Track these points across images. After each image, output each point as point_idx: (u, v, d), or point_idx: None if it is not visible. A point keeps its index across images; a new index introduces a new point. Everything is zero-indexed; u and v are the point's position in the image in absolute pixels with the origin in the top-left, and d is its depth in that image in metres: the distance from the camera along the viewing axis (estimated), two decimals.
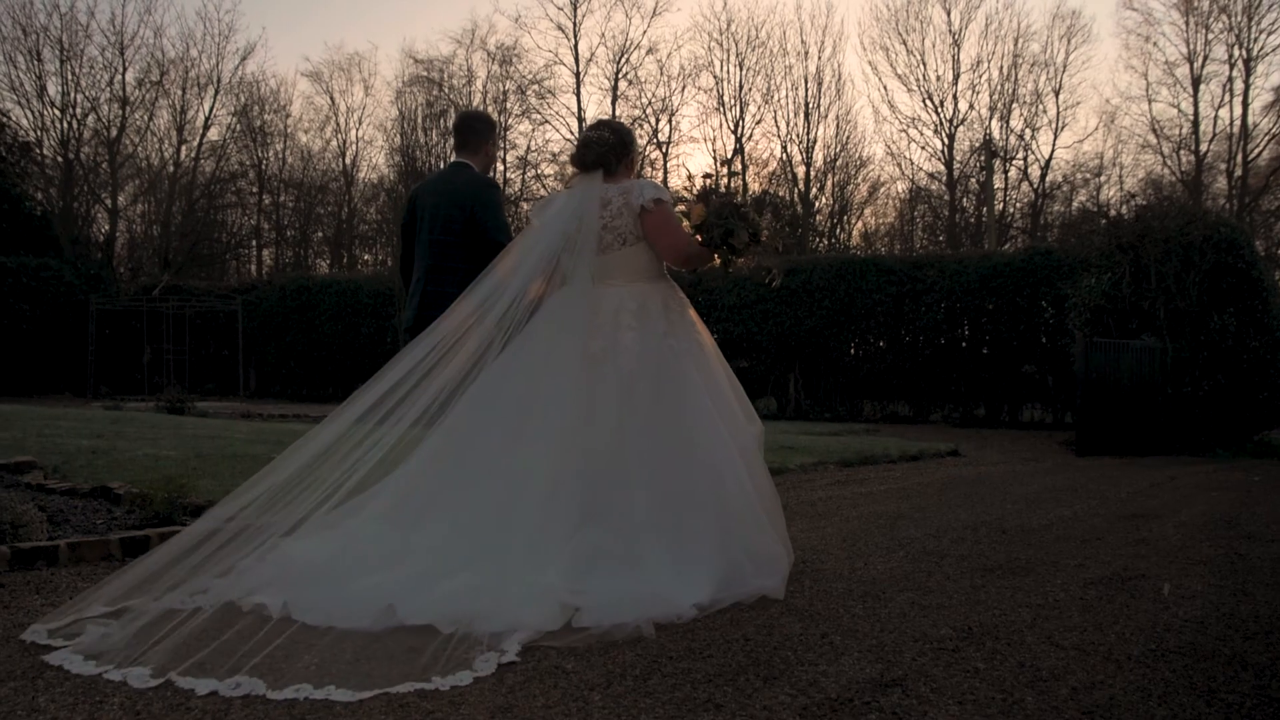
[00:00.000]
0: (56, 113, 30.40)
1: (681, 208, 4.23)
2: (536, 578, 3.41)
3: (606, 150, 4.21)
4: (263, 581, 3.38)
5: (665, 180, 33.47)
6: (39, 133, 30.47)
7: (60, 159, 30.29)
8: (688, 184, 4.37)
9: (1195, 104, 31.89)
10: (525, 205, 35.55)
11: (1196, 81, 31.74)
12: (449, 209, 5.08)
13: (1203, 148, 31.95)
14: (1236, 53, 31.05)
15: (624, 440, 3.81)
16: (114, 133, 31.38)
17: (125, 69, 31.69)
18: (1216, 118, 31.81)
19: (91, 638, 2.93)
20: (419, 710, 2.51)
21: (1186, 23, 31.89)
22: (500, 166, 35.00)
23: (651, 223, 4.08)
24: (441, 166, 18.15)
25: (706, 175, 4.29)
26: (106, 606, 3.18)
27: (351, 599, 3.27)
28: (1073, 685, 2.79)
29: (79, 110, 30.80)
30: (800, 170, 33.30)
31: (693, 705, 2.59)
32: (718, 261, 4.26)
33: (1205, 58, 31.59)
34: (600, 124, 4.42)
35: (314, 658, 2.89)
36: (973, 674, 2.88)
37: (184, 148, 33.44)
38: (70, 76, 30.62)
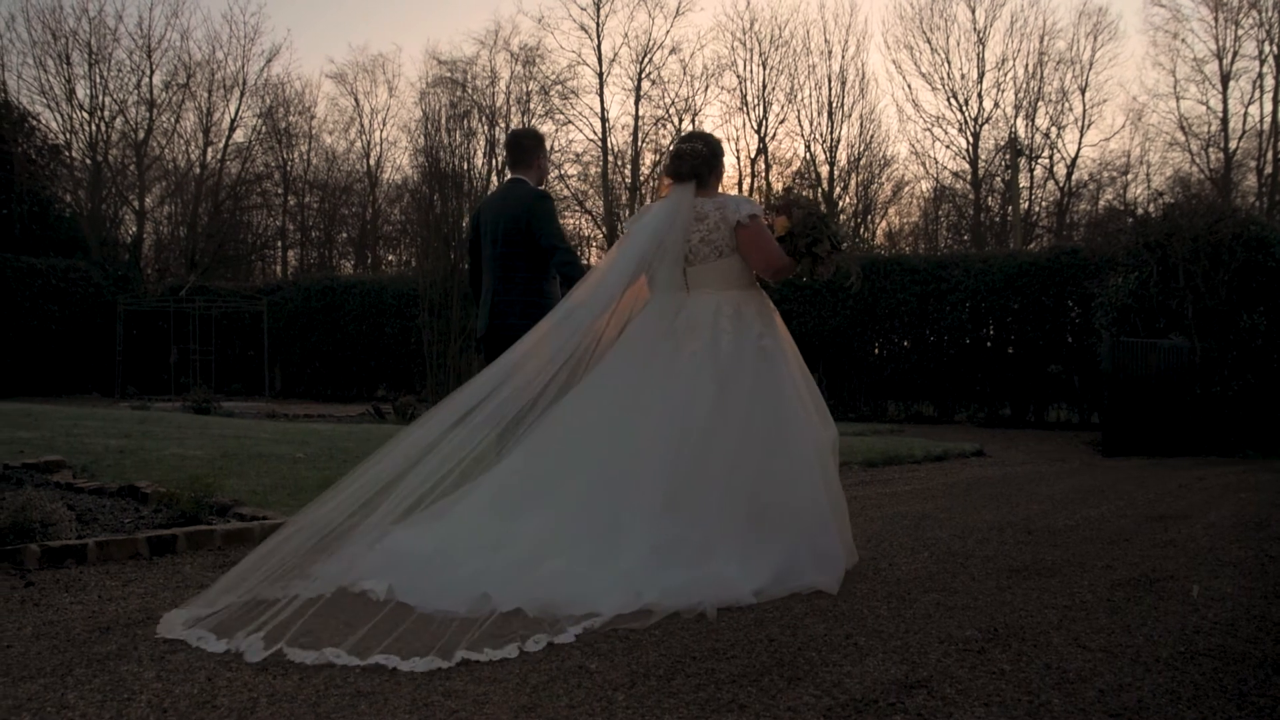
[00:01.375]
0: (85, 115, 30.62)
1: (765, 220, 4.41)
2: (617, 565, 3.64)
3: (700, 162, 4.40)
4: (372, 569, 3.62)
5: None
6: (68, 135, 30.71)
7: (89, 161, 30.50)
8: (771, 197, 4.50)
9: (1224, 101, 31.58)
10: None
11: (1226, 78, 31.41)
12: (508, 223, 5.40)
13: (1232, 145, 31.62)
14: (1267, 48, 30.70)
15: (711, 438, 4.00)
16: (141, 135, 31.58)
17: (152, 72, 31.90)
18: (1246, 114, 31.49)
19: (220, 618, 3.17)
20: (443, 709, 2.52)
21: (1216, 18, 31.56)
22: None
23: (746, 237, 4.29)
24: (464, 167, 18.50)
25: (787, 189, 4.45)
26: (238, 596, 3.36)
27: (450, 584, 3.49)
28: (1100, 687, 2.77)
29: (107, 113, 31.02)
30: (824, 170, 33.15)
31: (716, 705, 2.58)
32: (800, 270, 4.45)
33: (1235, 54, 31.26)
34: (692, 136, 4.59)
35: (396, 635, 3.10)
36: (998, 675, 2.87)
37: (210, 149, 33.62)
38: (98, 79, 30.83)
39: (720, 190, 4.55)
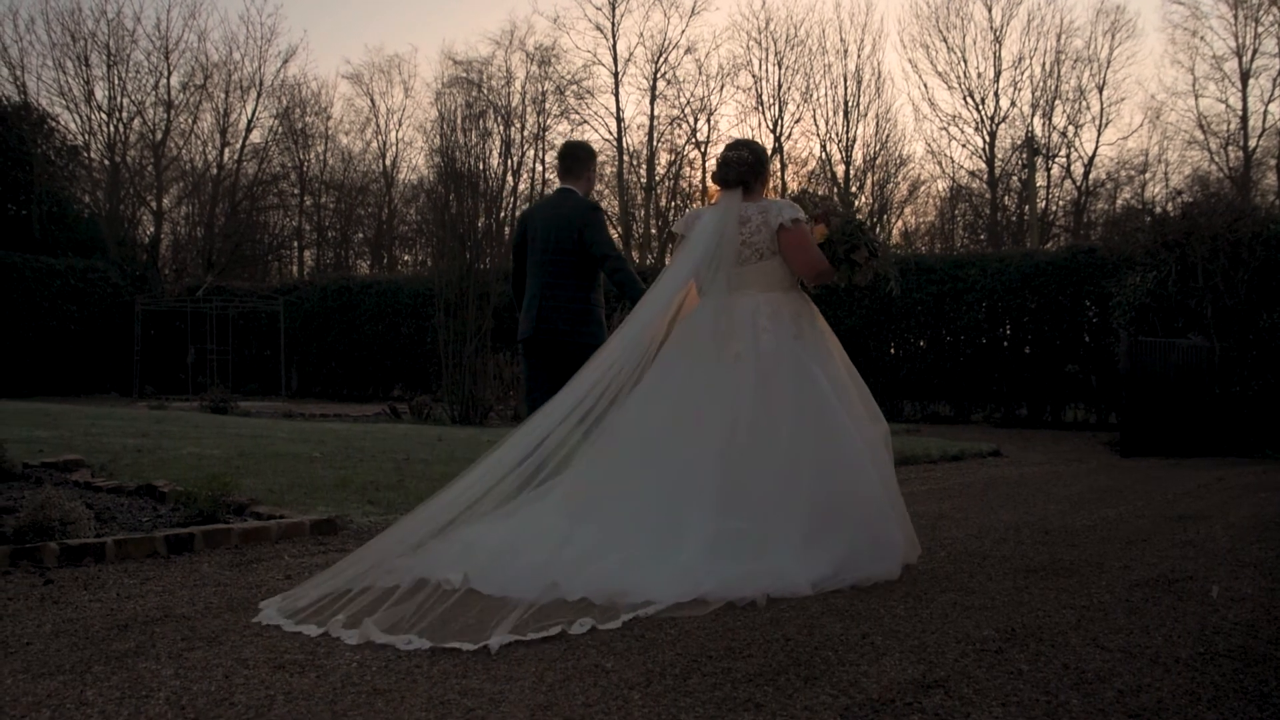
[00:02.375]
0: (103, 117, 30.79)
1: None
2: (677, 558, 3.81)
3: (746, 169, 4.54)
4: (447, 561, 3.80)
5: (704, 180, 33.45)
6: (86, 136, 30.89)
7: (107, 162, 30.67)
8: (809, 206, 4.60)
9: (1244, 99, 31.37)
10: None
11: (1245, 76, 31.19)
12: (559, 230, 5.63)
13: (1251, 143, 31.40)
14: None
15: (760, 434, 4.14)
16: (159, 136, 31.74)
17: (170, 73, 32.05)
18: (1266, 112, 31.24)
19: (315, 607, 3.40)
20: (459, 708, 2.52)
21: (1235, 16, 31.34)
22: (539, 167, 35.15)
23: (788, 240, 4.41)
24: (480, 167, 18.60)
25: (803, 190, 4.56)
26: (340, 584, 3.62)
27: (520, 573, 3.69)
28: (1119, 688, 2.75)
29: (125, 114, 31.18)
30: (839, 169, 33.13)
31: (733, 705, 2.58)
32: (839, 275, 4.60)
33: (1254, 51, 31.03)
34: (739, 144, 4.67)
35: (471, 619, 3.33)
36: (1016, 675, 2.85)
37: (227, 150, 33.77)
38: (117, 81, 30.99)
39: (767, 193, 4.70)
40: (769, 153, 4.78)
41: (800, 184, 32.89)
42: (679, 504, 4.03)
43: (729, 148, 4.69)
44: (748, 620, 3.44)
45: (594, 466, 4.26)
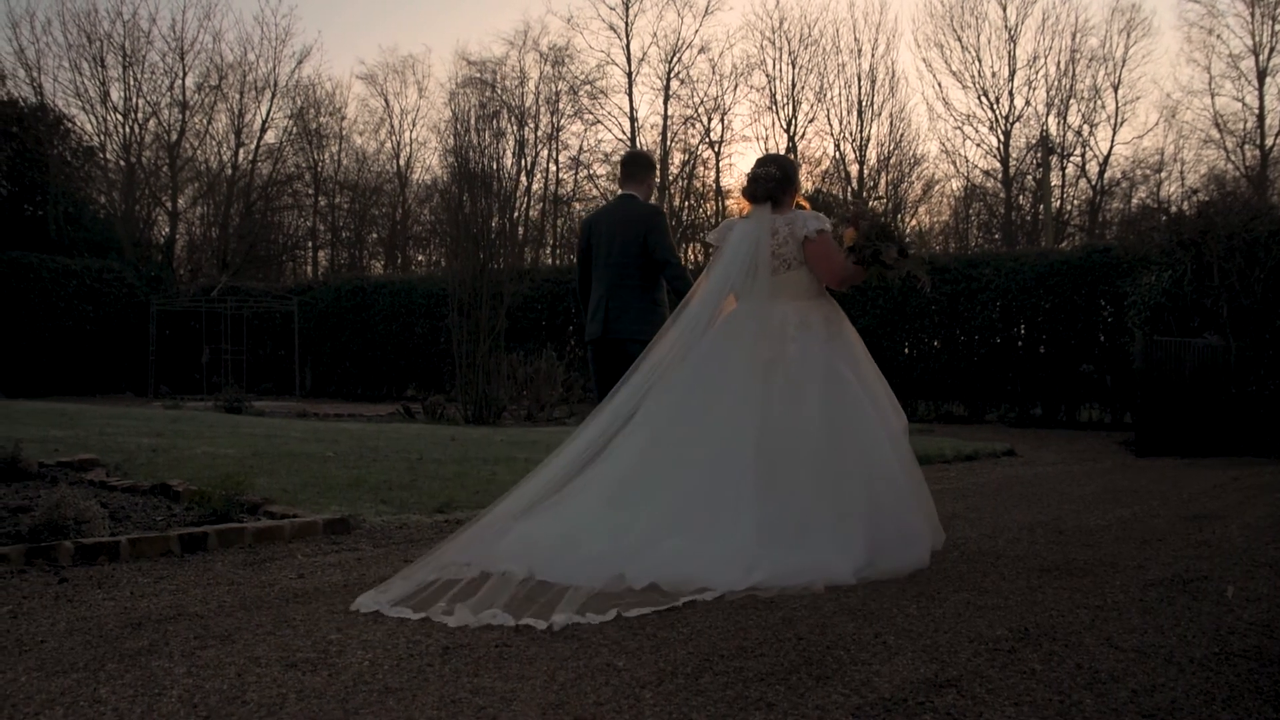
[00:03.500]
0: (119, 117, 30.93)
1: (836, 232, 4.80)
2: (725, 544, 4.02)
3: (774, 185, 4.81)
4: (509, 554, 4.01)
5: (718, 179, 33.44)
6: (102, 137, 31.04)
7: (123, 163, 30.81)
8: (838, 210, 4.86)
9: (1261, 97, 31.18)
10: (578, 205, 35.73)
11: (1262, 74, 31.00)
12: (623, 235, 5.89)
13: (1268, 142, 31.21)
14: None
15: (793, 430, 4.38)
16: (174, 137, 31.88)
17: (185, 74, 32.19)
18: None
19: (404, 596, 3.62)
20: (471, 706, 2.52)
21: (1252, 14, 31.15)
22: (552, 167, 35.19)
23: (813, 250, 4.69)
24: (494, 167, 18.68)
25: (852, 203, 4.73)
26: (431, 573, 3.88)
27: (584, 563, 3.89)
28: (1133, 688, 2.74)
29: (140, 115, 31.33)
30: (854, 169, 33.07)
31: (744, 704, 2.57)
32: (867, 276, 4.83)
33: (1271, 49, 30.83)
34: (767, 160, 4.94)
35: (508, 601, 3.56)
36: (1029, 675, 2.84)
37: (242, 151, 33.88)
38: (132, 82, 31.13)
39: (795, 205, 4.92)
40: (795, 166, 5.16)
41: (814, 185, 32.85)
42: (720, 494, 4.24)
43: (758, 164, 4.93)
44: (760, 619, 3.44)
45: (635, 456, 4.45)
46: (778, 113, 33.68)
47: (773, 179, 4.80)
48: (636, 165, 6.21)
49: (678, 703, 2.57)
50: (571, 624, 3.32)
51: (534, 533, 4.15)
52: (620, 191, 6.15)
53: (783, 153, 32.84)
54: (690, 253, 29.72)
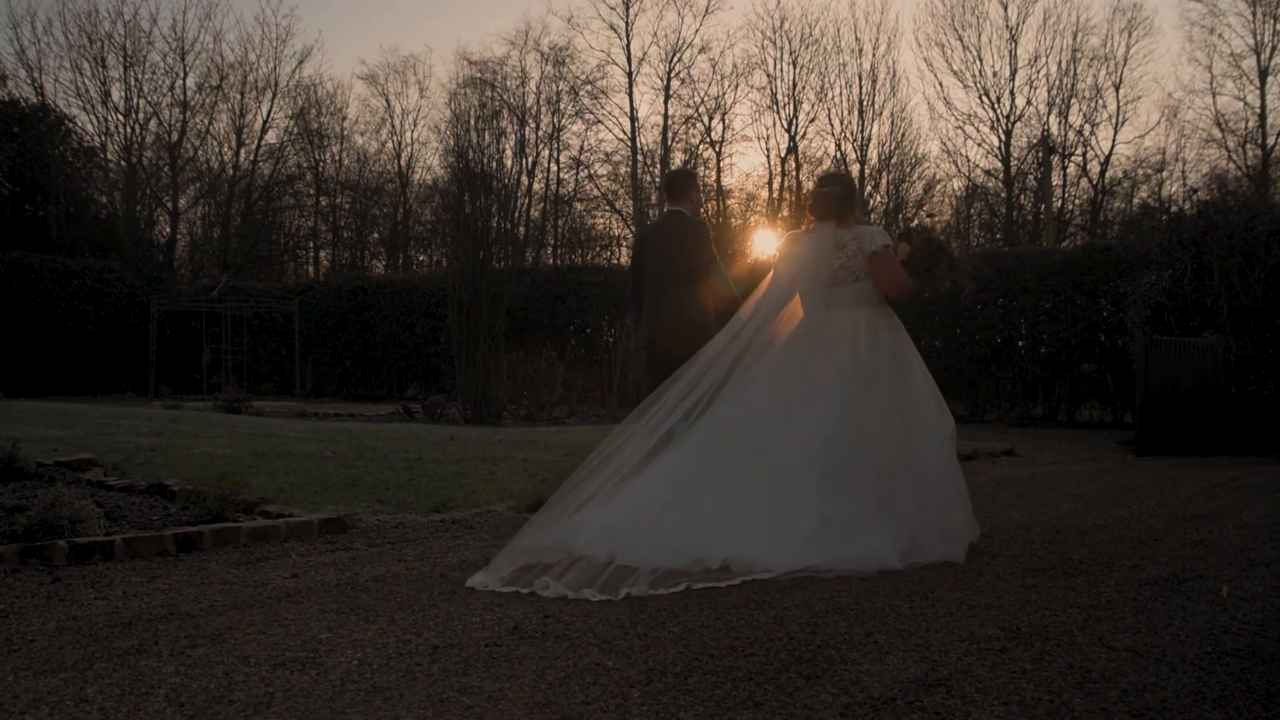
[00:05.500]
0: (120, 118, 30.93)
1: (893, 247, 5.17)
2: (793, 533, 4.37)
3: (838, 203, 5.22)
4: (587, 541, 4.37)
5: (719, 178, 33.40)
6: (103, 138, 31.03)
7: (124, 163, 30.82)
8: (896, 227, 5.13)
9: (1262, 96, 31.06)
10: (579, 205, 35.74)
11: (1264, 73, 30.89)
12: (669, 249, 6.27)
13: (1270, 141, 31.08)
14: None
15: (856, 429, 4.75)
16: (175, 137, 31.87)
17: (186, 74, 32.18)
18: None
19: (509, 577, 4.06)
20: (458, 705, 2.52)
21: (1254, 13, 31.02)
22: (553, 167, 35.18)
23: (877, 264, 5.06)
24: (494, 167, 18.78)
25: (907, 219, 5.04)
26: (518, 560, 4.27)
27: (667, 548, 4.29)
28: (1123, 687, 2.73)
29: (141, 115, 31.32)
30: (855, 168, 33.00)
31: (732, 703, 2.57)
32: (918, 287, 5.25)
33: (1273, 48, 30.69)
34: (831, 179, 5.55)
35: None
36: (1020, 674, 2.83)
37: (243, 151, 33.86)
38: (133, 82, 31.13)
39: (857, 221, 5.30)
40: (855, 183, 5.47)
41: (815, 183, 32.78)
42: (786, 486, 4.59)
43: (820, 183, 5.46)
44: (751, 618, 3.43)
45: (705, 452, 4.80)
46: (778, 112, 33.62)
47: (836, 197, 5.22)
48: (675, 183, 6.61)
49: (665, 702, 2.57)
50: (647, 595, 3.79)
51: (606, 520, 4.50)
52: (667, 209, 6.56)
53: (784, 152, 32.97)
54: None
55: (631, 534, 4.38)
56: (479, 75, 34.32)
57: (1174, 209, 15.49)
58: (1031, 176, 33.03)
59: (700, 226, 6.38)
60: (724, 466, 4.74)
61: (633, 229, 34.17)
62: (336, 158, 37.25)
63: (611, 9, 35.42)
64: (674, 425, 4.90)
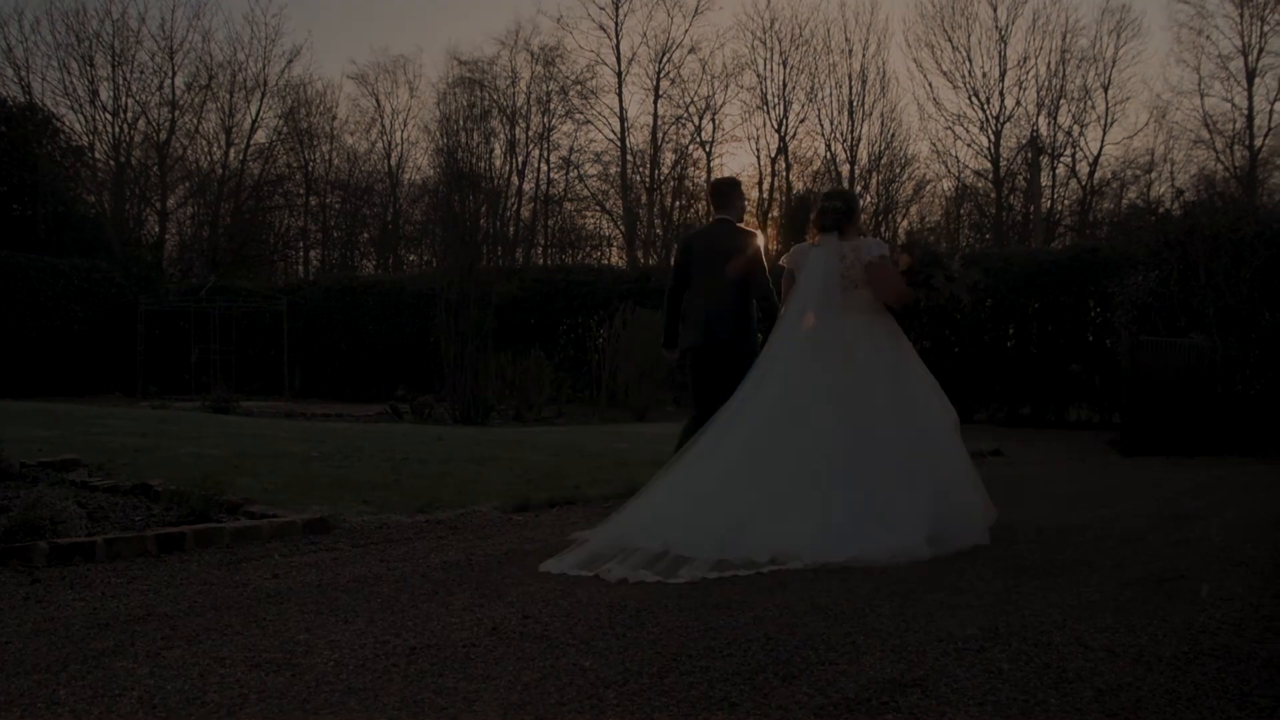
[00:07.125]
0: (108, 117, 30.87)
1: (892, 258, 5.55)
2: (825, 521, 4.70)
3: (840, 217, 5.62)
4: (640, 533, 4.72)
5: (708, 178, 33.37)
6: (91, 137, 30.94)
7: (112, 162, 30.76)
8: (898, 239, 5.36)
9: (1250, 98, 31.18)
10: (569, 205, 35.71)
11: (1251, 75, 31.01)
12: (718, 255, 6.49)
13: (1257, 142, 31.20)
14: None
15: (867, 426, 5.09)
16: (164, 136, 31.80)
17: (174, 73, 32.12)
18: (1272, 111, 30.98)
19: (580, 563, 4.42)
20: (433, 707, 2.51)
21: (1241, 15, 31.16)
22: (543, 167, 35.15)
23: (875, 273, 5.43)
24: (483, 166, 18.79)
25: (909, 233, 5.36)
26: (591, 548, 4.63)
27: (711, 541, 4.56)
28: (1099, 687, 2.74)
29: (130, 114, 31.27)
30: (844, 169, 33.05)
31: (707, 704, 2.57)
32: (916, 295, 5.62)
33: (1260, 50, 30.84)
34: (834, 195, 5.92)
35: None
36: (996, 675, 2.84)
37: (232, 150, 33.80)
38: (121, 81, 31.07)
39: (858, 233, 5.69)
40: (857, 198, 6.52)
41: (805, 184, 32.86)
42: (815, 477, 4.94)
43: (825, 198, 5.87)
44: (730, 619, 3.43)
45: (741, 449, 5.16)
46: (769, 112, 33.69)
47: (839, 211, 5.61)
48: (721, 193, 6.89)
49: (640, 703, 2.57)
50: (697, 579, 4.13)
51: (653, 514, 4.90)
52: (714, 216, 6.79)
53: (774, 152, 33.00)
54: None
55: (684, 525, 4.70)
56: (469, 75, 34.33)
57: (1162, 210, 15.53)
58: (1021, 177, 33.14)
59: (750, 236, 6.61)
60: (756, 466, 5.07)
61: (622, 228, 34.18)
62: (326, 157, 37.18)
63: (601, 9, 35.48)
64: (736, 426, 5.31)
